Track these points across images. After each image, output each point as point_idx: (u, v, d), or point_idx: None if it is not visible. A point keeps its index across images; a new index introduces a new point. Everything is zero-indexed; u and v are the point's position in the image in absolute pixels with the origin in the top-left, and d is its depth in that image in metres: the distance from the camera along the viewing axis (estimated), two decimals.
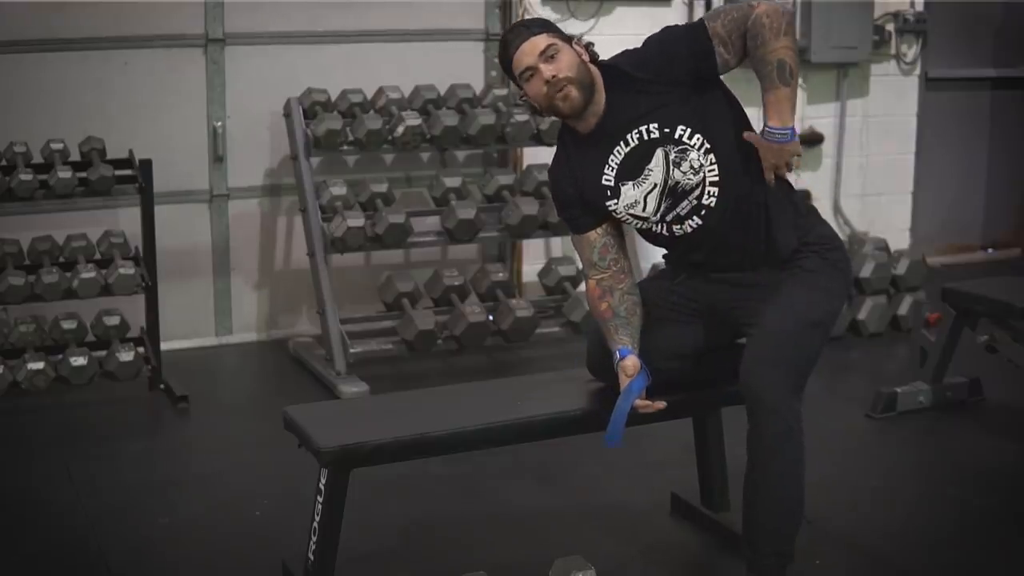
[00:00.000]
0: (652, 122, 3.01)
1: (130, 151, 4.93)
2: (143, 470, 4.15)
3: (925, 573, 3.43)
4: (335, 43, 5.58)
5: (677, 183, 3.03)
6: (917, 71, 6.87)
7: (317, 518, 3.03)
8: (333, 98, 5.37)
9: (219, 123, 5.42)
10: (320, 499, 3.02)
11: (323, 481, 3.01)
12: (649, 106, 3.01)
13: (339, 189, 5.27)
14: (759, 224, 3.09)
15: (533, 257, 5.99)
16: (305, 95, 5.33)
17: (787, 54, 2.94)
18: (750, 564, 3.04)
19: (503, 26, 5.84)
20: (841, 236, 6.42)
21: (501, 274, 5.51)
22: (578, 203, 3.15)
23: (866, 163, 6.83)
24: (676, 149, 3.01)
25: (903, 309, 5.79)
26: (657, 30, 3.06)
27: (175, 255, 5.32)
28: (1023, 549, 3.57)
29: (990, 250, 7.47)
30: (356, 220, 5.10)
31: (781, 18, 2.95)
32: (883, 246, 6.12)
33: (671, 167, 3.02)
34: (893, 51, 6.75)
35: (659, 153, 3.02)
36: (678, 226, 3.09)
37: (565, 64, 2.97)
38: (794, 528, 3.03)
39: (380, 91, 5.44)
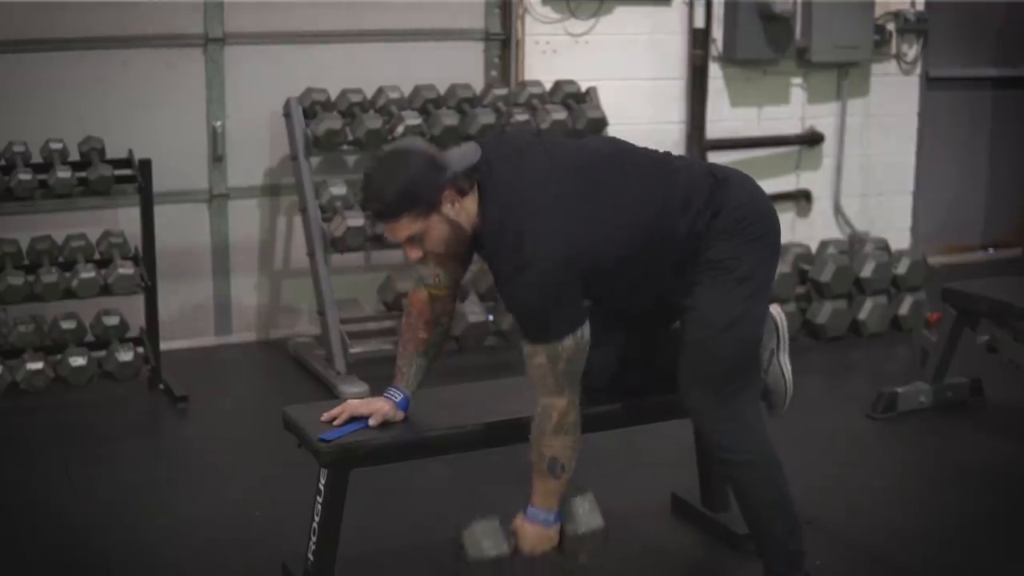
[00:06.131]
0: None
1: (129, 151, 4.92)
2: (143, 470, 4.14)
3: (925, 573, 3.43)
4: (335, 43, 5.57)
5: None
6: (918, 70, 6.86)
7: (317, 518, 3.03)
8: (333, 98, 5.36)
9: (219, 123, 5.41)
10: (320, 499, 3.01)
11: (323, 481, 3.00)
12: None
13: (339, 189, 5.26)
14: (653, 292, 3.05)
15: None
16: (305, 95, 5.32)
17: (564, 453, 2.88)
18: (766, 570, 3.11)
19: (503, 26, 5.84)
20: (841, 236, 6.50)
21: None
22: None
23: (867, 163, 6.82)
24: None
25: (904, 309, 5.79)
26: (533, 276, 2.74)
27: (175, 255, 5.32)
28: (1023, 549, 3.57)
29: (991, 250, 7.47)
30: (356, 220, 5.10)
31: (563, 419, 2.86)
32: (884, 246, 6.12)
33: None
34: (894, 51, 6.75)
35: None
36: None
37: (432, 243, 2.81)
38: (790, 534, 3.06)
39: (380, 91, 5.43)
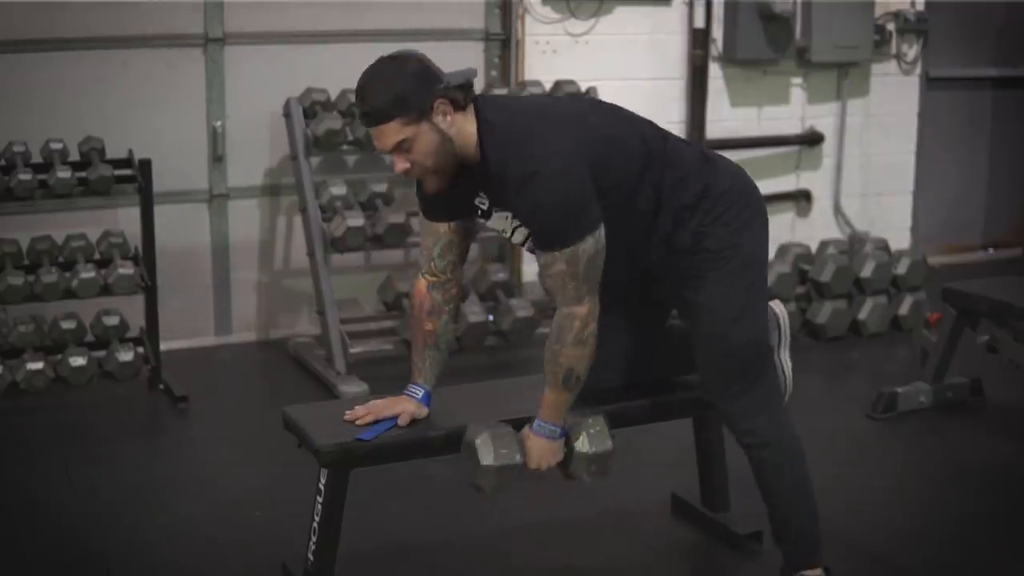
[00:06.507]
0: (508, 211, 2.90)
1: (129, 151, 4.92)
2: (143, 470, 4.14)
3: (925, 573, 3.43)
4: (335, 43, 5.57)
5: None
6: (918, 70, 6.86)
7: (317, 518, 3.02)
8: (333, 98, 5.36)
9: (219, 123, 5.41)
10: (320, 499, 3.01)
11: (323, 481, 3.00)
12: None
13: (339, 189, 5.27)
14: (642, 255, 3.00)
15: (533, 257, 5.97)
16: (305, 95, 5.32)
17: (580, 364, 2.85)
18: (784, 556, 3.12)
19: (503, 26, 5.84)
20: (841, 236, 6.50)
21: (501, 274, 5.51)
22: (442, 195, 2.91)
23: (867, 163, 6.82)
24: None
25: (904, 309, 5.79)
26: (548, 189, 2.71)
27: (175, 255, 5.32)
28: (1023, 549, 3.57)
29: (991, 250, 7.47)
30: (356, 220, 5.10)
31: (584, 329, 2.82)
32: (884, 246, 6.12)
33: None
34: (894, 51, 6.75)
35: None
36: None
37: (420, 154, 2.73)
38: (810, 520, 3.08)
39: None
